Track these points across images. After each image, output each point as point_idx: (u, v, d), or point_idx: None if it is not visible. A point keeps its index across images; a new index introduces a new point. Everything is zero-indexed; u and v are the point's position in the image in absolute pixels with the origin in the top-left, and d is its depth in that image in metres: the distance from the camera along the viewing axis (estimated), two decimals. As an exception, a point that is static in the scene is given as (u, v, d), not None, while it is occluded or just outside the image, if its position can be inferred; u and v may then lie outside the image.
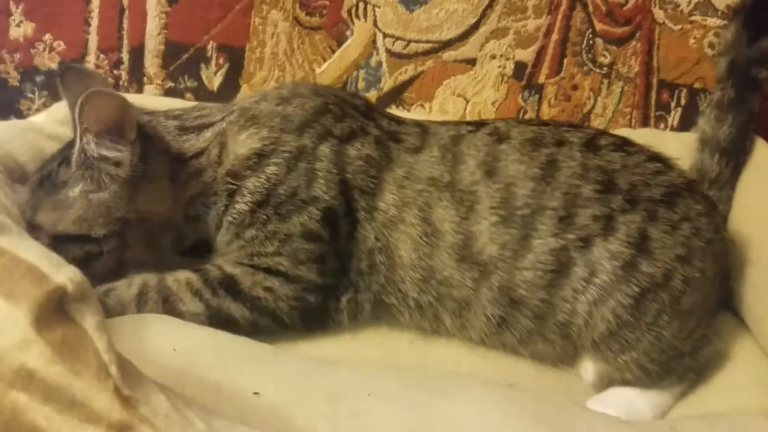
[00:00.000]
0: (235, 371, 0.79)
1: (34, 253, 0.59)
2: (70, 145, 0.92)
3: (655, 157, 0.99)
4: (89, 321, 0.57)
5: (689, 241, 0.92)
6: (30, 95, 1.43)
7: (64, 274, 0.58)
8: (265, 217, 0.93)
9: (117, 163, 0.88)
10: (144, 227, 0.92)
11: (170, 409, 0.57)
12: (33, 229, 0.90)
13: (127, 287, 0.90)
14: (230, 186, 0.94)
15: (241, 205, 0.93)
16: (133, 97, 0.97)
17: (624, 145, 0.99)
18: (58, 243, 0.88)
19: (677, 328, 0.92)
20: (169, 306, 0.90)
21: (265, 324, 0.94)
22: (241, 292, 0.92)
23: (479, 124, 1.01)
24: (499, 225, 0.92)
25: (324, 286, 0.95)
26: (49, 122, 1.17)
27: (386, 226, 0.95)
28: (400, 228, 0.95)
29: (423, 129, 1.01)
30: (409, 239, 0.94)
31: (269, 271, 0.93)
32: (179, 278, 0.92)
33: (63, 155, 0.93)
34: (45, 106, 1.41)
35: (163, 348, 0.79)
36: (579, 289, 0.91)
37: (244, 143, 0.94)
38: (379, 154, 0.96)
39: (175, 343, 0.79)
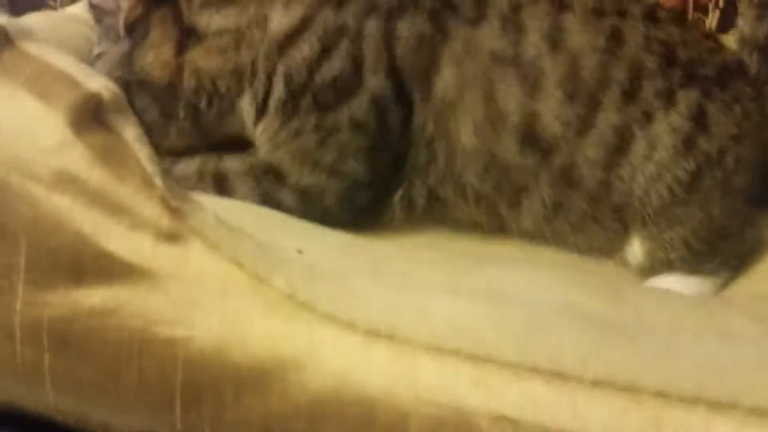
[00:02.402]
0: (278, 233, 0.76)
1: (65, 62, 0.56)
2: None
3: (709, 35, 0.98)
4: (129, 131, 0.54)
5: (741, 122, 0.90)
6: (52, 3, 1.41)
7: (99, 83, 0.55)
8: (306, 106, 0.87)
9: (112, 15, 0.86)
10: (148, 91, 0.88)
11: (219, 225, 0.55)
12: None
13: (188, 163, 0.89)
14: (267, 69, 0.88)
15: (278, 91, 0.87)
16: None
17: (680, 19, 0.97)
18: None
19: (727, 206, 0.90)
20: (221, 184, 0.88)
21: (314, 214, 0.88)
22: (287, 181, 0.88)
23: None
24: (564, 102, 0.88)
25: (373, 183, 0.90)
26: (85, 12, 1.11)
27: (444, 109, 0.89)
28: (459, 111, 0.89)
29: None
30: (471, 122, 0.88)
31: (314, 166, 0.88)
32: (234, 160, 0.90)
33: None
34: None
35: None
36: (637, 166, 0.88)
37: (279, 21, 0.88)
38: (433, 28, 0.89)
39: (217, 207, 0.77)
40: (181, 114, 0.90)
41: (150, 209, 0.52)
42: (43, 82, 0.53)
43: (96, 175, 0.51)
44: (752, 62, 1.11)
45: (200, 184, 0.87)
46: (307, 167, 0.88)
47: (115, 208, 0.51)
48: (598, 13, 0.91)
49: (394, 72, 0.88)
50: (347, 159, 0.88)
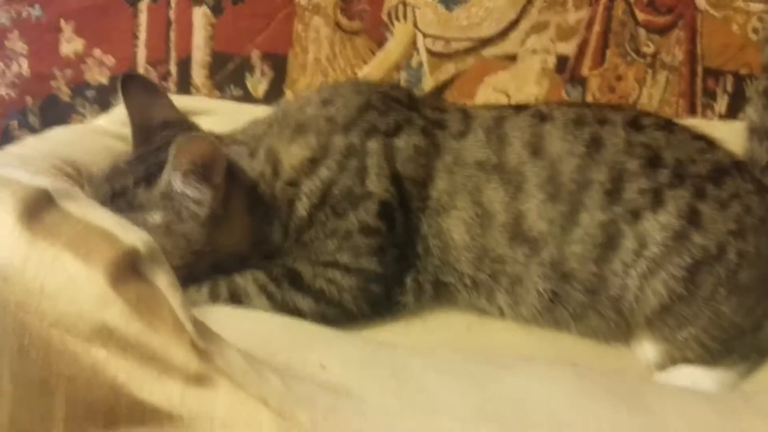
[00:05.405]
0: (304, 349, 0.78)
1: (104, 218, 0.60)
2: (141, 159, 0.94)
3: (700, 137, 0.99)
4: (162, 280, 0.58)
5: (741, 218, 0.91)
6: (81, 110, 1.47)
7: (136, 236, 0.59)
8: (323, 217, 0.95)
9: (198, 202, 0.89)
10: (215, 257, 0.93)
11: (245, 365, 0.57)
12: None
13: (197, 289, 0.92)
14: (290, 195, 0.96)
15: (301, 210, 0.95)
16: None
17: (667, 124, 0.99)
18: None
19: (736, 303, 0.90)
20: (236, 301, 0.92)
21: (333, 314, 0.94)
22: (304, 284, 0.94)
23: (520, 108, 1.03)
24: (546, 202, 0.93)
25: (386, 275, 0.97)
26: (112, 124, 1.19)
27: (438, 213, 0.96)
28: (452, 213, 0.96)
29: (465, 114, 1.03)
30: (462, 223, 0.95)
31: (329, 264, 0.95)
32: (246, 275, 0.94)
33: (137, 174, 0.92)
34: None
35: (232, 330, 0.79)
36: (629, 262, 0.91)
37: (295, 154, 0.97)
38: (427, 143, 0.98)
39: (244, 325, 0.80)
40: (235, 266, 0.96)
41: (180, 355, 0.55)
42: (84, 243, 0.56)
43: (132, 328, 0.54)
44: (762, 152, 1.13)
45: (216, 304, 0.91)
46: (321, 267, 0.95)
47: (148, 357, 0.54)
48: (578, 123, 0.97)
49: (396, 180, 0.96)
50: (360, 258, 0.95)
